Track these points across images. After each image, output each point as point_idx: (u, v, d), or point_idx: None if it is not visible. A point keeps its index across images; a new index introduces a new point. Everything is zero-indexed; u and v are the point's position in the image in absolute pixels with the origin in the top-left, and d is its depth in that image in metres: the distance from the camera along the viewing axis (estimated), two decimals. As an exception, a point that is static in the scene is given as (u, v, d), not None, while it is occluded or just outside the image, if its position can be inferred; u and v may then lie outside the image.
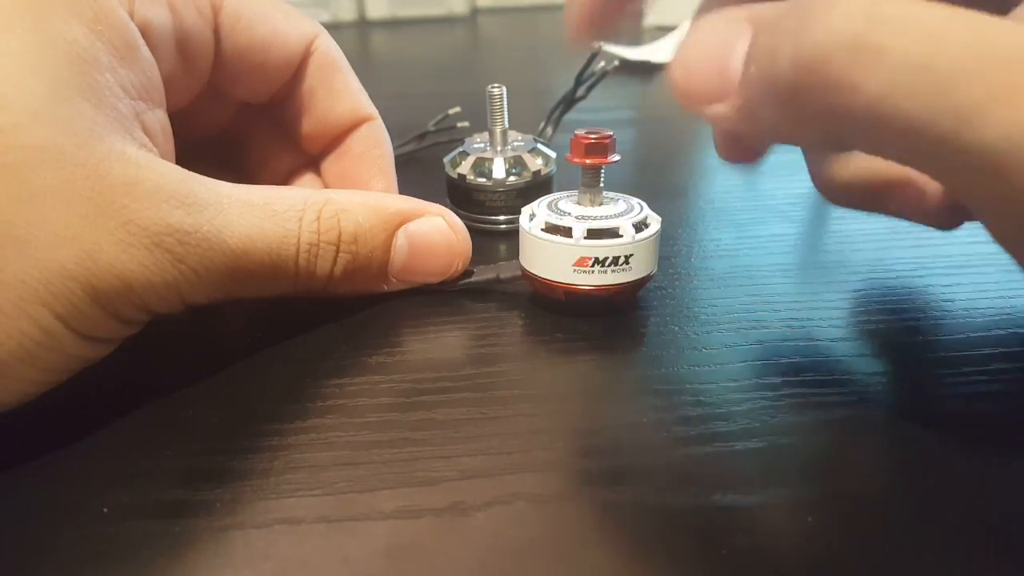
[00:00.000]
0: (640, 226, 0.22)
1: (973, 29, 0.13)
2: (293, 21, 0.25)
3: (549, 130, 0.37)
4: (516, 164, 0.28)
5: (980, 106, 0.12)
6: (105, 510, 0.16)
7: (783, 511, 0.16)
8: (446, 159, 0.30)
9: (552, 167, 0.29)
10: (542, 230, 0.22)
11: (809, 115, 0.14)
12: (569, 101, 0.37)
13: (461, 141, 0.31)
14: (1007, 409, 0.19)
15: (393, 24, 0.78)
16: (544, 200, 0.24)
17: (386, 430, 0.19)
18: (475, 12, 0.83)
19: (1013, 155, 0.12)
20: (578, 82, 0.36)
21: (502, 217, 0.29)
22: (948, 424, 0.18)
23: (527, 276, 0.23)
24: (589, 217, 0.22)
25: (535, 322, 0.23)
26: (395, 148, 0.37)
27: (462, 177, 0.29)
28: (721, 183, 0.33)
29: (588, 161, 0.22)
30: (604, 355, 0.21)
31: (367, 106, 0.27)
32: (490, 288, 0.25)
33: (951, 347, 0.21)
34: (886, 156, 0.14)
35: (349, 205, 0.22)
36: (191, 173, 0.19)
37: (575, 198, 0.24)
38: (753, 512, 0.16)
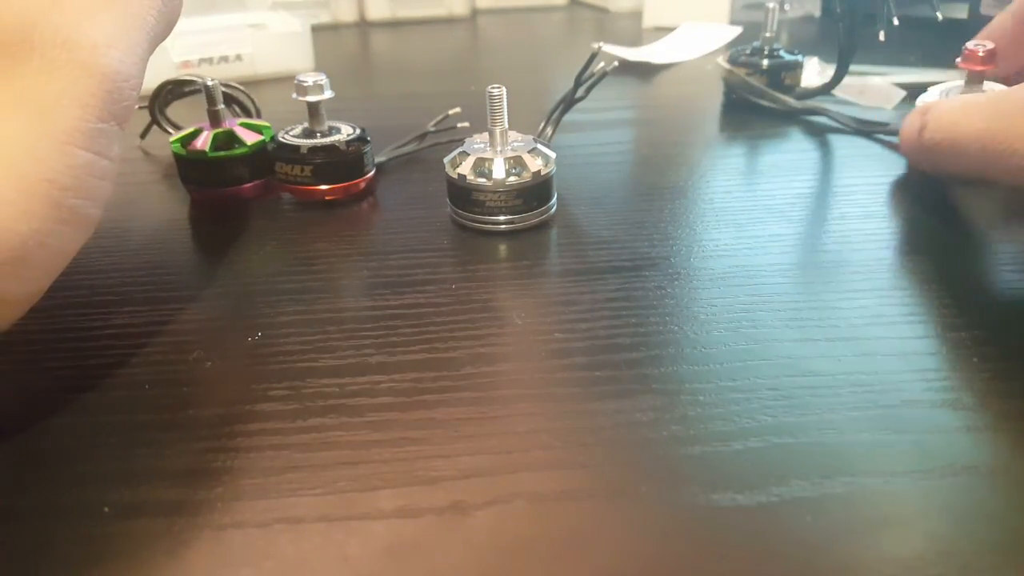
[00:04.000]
0: None
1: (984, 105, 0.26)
2: None
3: (549, 130, 0.37)
4: (516, 164, 0.28)
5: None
6: (105, 510, 0.16)
7: (783, 511, 0.16)
8: (446, 159, 0.30)
9: (552, 167, 0.29)
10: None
11: (938, 160, 0.29)
12: (569, 102, 0.36)
13: (461, 141, 0.31)
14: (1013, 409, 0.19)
15: (393, 24, 0.78)
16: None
17: (386, 430, 0.19)
18: (475, 13, 0.83)
19: None
20: (578, 83, 0.36)
21: (502, 217, 0.29)
22: (949, 423, 0.18)
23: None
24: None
25: (535, 322, 0.23)
26: (395, 148, 0.37)
27: (462, 177, 0.29)
28: (721, 183, 0.33)
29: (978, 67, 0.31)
30: (603, 355, 0.21)
31: None
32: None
33: (952, 346, 0.21)
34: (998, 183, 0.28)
35: None
36: None
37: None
38: (753, 512, 0.16)
